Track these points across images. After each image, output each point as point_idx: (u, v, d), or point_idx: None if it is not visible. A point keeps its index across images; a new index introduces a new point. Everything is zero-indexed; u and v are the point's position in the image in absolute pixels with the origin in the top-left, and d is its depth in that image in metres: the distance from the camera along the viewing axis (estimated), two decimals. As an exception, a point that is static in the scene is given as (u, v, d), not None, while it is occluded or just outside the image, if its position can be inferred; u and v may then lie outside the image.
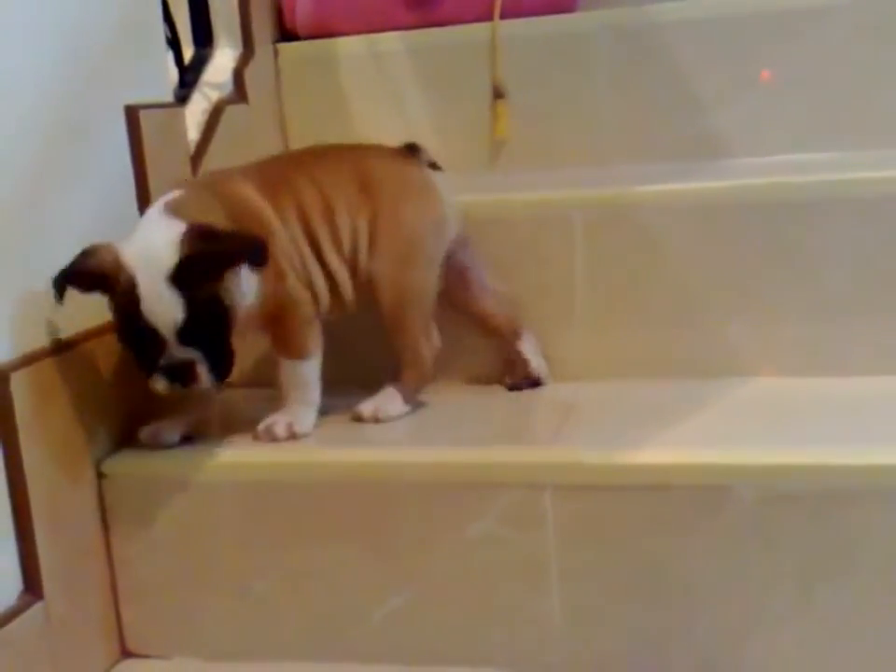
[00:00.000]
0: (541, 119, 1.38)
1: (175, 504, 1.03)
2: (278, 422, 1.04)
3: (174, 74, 1.34)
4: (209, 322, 0.96)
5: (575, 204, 1.16)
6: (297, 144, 1.42)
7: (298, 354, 1.06)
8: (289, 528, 1.01)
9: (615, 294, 1.15)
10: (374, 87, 1.42)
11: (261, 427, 1.05)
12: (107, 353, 1.05)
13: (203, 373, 0.96)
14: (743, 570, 0.92)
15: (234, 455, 1.03)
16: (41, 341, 0.98)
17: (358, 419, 1.07)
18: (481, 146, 1.40)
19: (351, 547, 0.99)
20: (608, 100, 1.36)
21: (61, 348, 1.00)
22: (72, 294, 0.96)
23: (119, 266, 0.95)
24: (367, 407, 1.07)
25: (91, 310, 1.03)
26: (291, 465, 1.01)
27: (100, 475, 1.04)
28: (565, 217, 1.15)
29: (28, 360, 0.96)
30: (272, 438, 1.04)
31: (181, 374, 0.96)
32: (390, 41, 1.43)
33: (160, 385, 0.97)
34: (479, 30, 1.39)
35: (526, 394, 1.14)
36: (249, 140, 1.34)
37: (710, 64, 1.34)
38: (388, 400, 1.08)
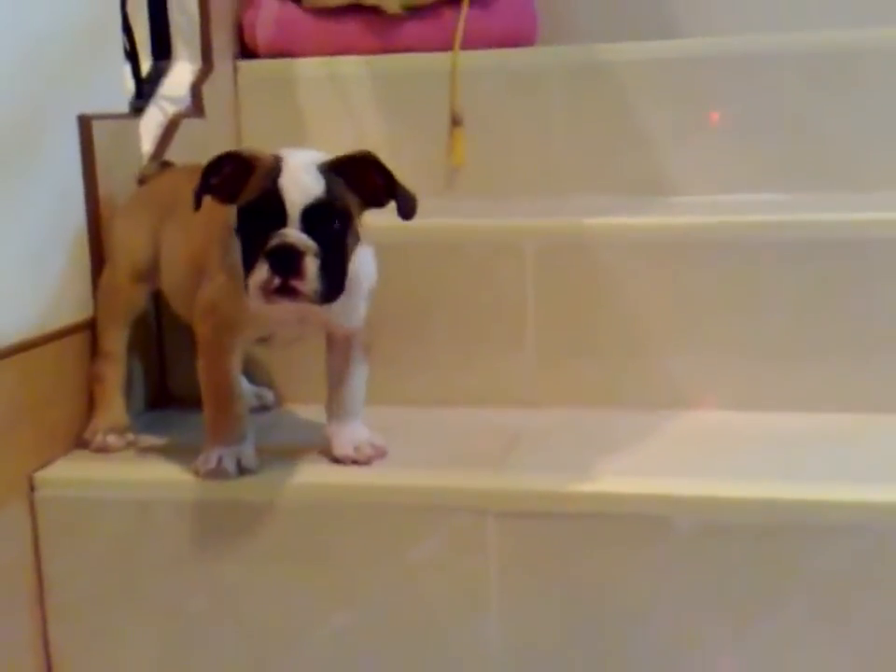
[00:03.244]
0: (498, 149, 1.40)
1: (107, 519, 1.01)
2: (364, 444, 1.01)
3: (131, 85, 1.33)
4: (337, 224, 0.90)
5: (528, 233, 1.17)
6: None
7: (368, 354, 1.03)
8: (226, 547, 0.99)
9: (565, 323, 1.16)
10: (333, 109, 1.43)
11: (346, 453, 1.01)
12: (43, 362, 1.03)
13: (311, 269, 0.88)
14: (680, 600, 0.93)
15: (170, 472, 1.02)
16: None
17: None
18: (437, 172, 1.41)
19: (292, 568, 0.98)
20: (563, 132, 1.38)
21: (-4, 357, 0.98)
22: (9, 302, 0.94)
23: (271, 154, 0.92)
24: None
25: (28, 318, 1.01)
26: (231, 484, 0.99)
27: (32, 487, 1.01)
28: (517, 245, 1.16)
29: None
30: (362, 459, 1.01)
31: (288, 261, 0.88)
32: (350, 65, 1.44)
33: (261, 272, 0.88)
34: (439, 59, 1.41)
35: (473, 418, 1.14)
36: (205, 155, 1.32)
37: (663, 103, 1.37)
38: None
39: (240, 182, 0.93)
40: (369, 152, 0.93)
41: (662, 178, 1.36)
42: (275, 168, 0.91)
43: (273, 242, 0.89)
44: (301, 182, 0.90)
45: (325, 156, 0.93)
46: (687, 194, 1.35)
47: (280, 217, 0.89)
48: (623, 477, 0.96)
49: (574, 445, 1.06)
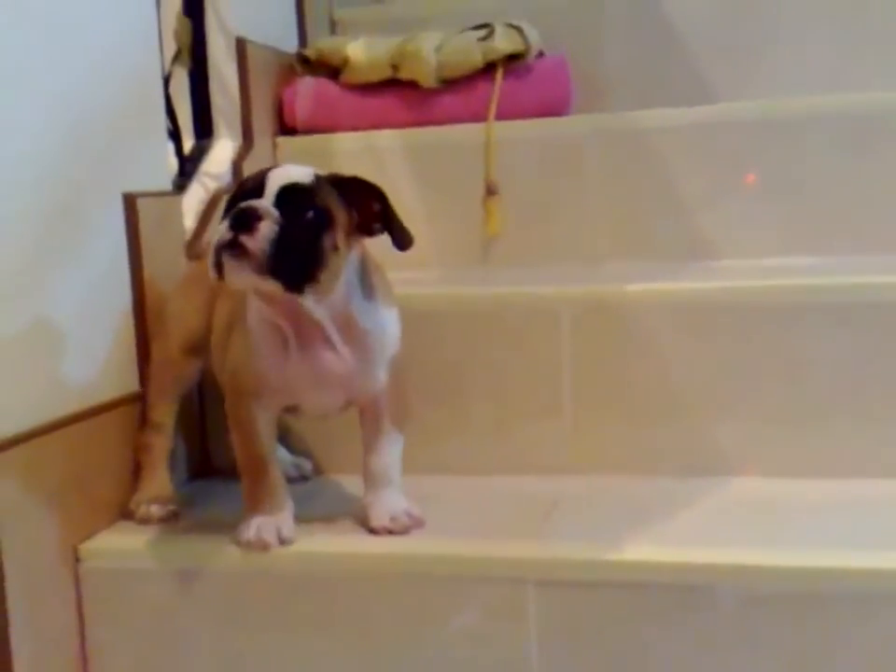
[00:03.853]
0: (533, 217, 1.41)
1: (150, 590, 1.01)
2: (400, 514, 1.01)
3: (173, 163, 1.37)
4: (312, 215, 0.91)
5: (563, 300, 1.18)
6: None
7: (402, 423, 1.03)
8: (268, 618, 0.99)
9: (602, 389, 1.16)
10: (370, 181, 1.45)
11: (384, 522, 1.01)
12: (90, 435, 1.05)
13: (265, 231, 0.88)
14: (722, 669, 0.91)
15: (211, 542, 1.02)
16: (26, 423, 0.98)
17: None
18: (473, 241, 1.43)
19: (331, 638, 0.98)
20: (597, 200, 1.39)
21: (45, 430, 1.00)
22: (57, 377, 0.95)
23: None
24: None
25: (74, 392, 1.03)
26: (270, 554, 0.99)
27: (77, 559, 1.03)
28: (553, 312, 1.17)
29: (11, 443, 0.95)
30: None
31: (245, 219, 0.88)
32: (387, 138, 1.47)
33: (220, 231, 0.89)
34: (474, 130, 1.43)
35: (510, 486, 1.14)
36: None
37: (696, 168, 1.38)
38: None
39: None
40: (368, 180, 0.96)
41: (697, 243, 1.36)
42: (268, 169, 0.94)
43: (241, 207, 0.90)
44: (289, 172, 0.93)
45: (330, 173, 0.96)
46: (723, 258, 1.34)
47: (258, 193, 0.91)
48: (665, 546, 0.95)
49: (612, 513, 1.05)
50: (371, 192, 0.95)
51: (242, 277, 0.90)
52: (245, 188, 0.94)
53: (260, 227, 0.88)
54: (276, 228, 0.89)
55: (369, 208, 0.95)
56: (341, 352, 0.97)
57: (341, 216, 0.94)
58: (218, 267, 0.89)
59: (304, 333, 0.96)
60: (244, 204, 0.90)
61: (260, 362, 0.97)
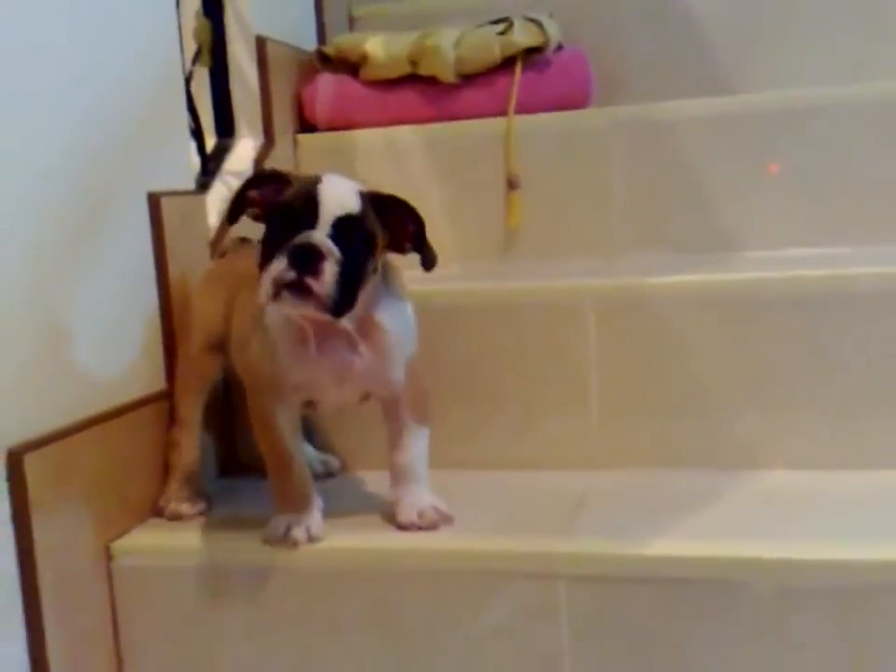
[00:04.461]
0: (554, 211, 1.41)
1: (181, 587, 1.02)
2: (427, 509, 1.01)
3: (196, 162, 1.38)
4: (363, 245, 0.91)
5: (589, 294, 1.17)
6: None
7: (425, 417, 1.03)
8: (299, 615, 1.00)
9: (628, 383, 1.16)
10: (390, 177, 1.45)
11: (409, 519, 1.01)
12: (119, 433, 1.06)
13: (330, 273, 0.88)
14: (759, 666, 0.90)
15: (240, 539, 1.03)
16: (56, 422, 0.99)
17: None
18: (495, 235, 1.43)
19: (360, 634, 0.98)
20: (619, 192, 1.39)
21: (75, 429, 1.00)
22: (85, 376, 0.96)
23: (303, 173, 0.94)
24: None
25: (104, 391, 1.04)
26: (300, 552, 0.99)
27: (109, 557, 1.03)
28: (578, 306, 1.17)
29: (43, 442, 0.96)
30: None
31: (309, 258, 0.88)
32: (407, 134, 1.46)
33: (278, 265, 0.88)
34: (494, 124, 1.43)
35: (538, 481, 1.14)
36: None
37: (719, 159, 1.37)
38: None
39: (276, 198, 0.94)
40: (407, 200, 0.96)
41: (721, 234, 1.35)
42: (316, 180, 0.93)
43: (299, 239, 0.89)
44: (340, 194, 0.92)
45: (365, 185, 0.95)
46: (747, 249, 1.34)
47: (311, 221, 0.90)
48: (697, 540, 0.95)
49: (641, 507, 1.05)
50: (409, 214, 0.96)
51: (299, 311, 0.92)
52: (294, 206, 0.92)
53: (325, 269, 0.88)
54: (338, 268, 0.89)
55: (404, 228, 0.96)
56: (360, 350, 0.98)
57: (381, 238, 0.95)
58: (275, 296, 0.90)
59: (325, 333, 0.97)
60: (305, 241, 0.89)
61: (280, 360, 0.98)
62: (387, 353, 0.99)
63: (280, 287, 0.89)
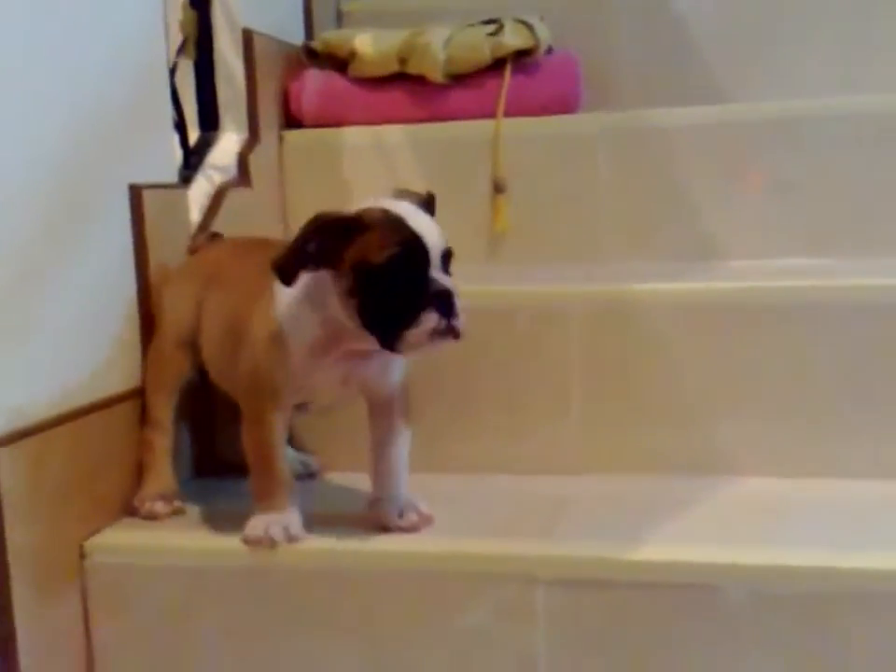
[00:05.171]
0: (541, 215, 1.40)
1: (156, 587, 1.01)
2: (408, 510, 1.01)
3: (179, 156, 1.36)
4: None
5: (573, 300, 1.17)
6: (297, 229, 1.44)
7: (408, 419, 1.03)
8: (275, 616, 0.98)
9: (610, 389, 1.16)
10: (377, 176, 1.44)
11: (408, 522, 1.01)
12: (94, 430, 1.04)
13: (461, 307, 0.90)
14: (734, 670, 0.91)
15: (217, 539, 1.02)
16: (31, 417, 0.97)
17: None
18: (480, 239, 1.42)
19: (339, 635, 0.97)
20: (606, 199, 1.39)
21: (49, 425, 0.98)
22: (61, 371, 0.94)
23: (373, 209, 0.92)
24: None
25: (78, 387, 1.02)
26: (278, 552, 0.98)
27: (82, 555, 1.01)
28: (562, 311, 1.16)
29: (18, 436, 0.94)
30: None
31: (448, 304, 0.89)
32: (394, 133, 1.45)
33: (430, 319, 0.89)
34: (482, 126, 1.42)
35: (519, 486, 1.13)
36: (250, 223, 1.35)
37: (706, 168, 1.37)
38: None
39: (341, 245, 0.91)
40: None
41: (706, 243, 1.35)
42: (397, 218, 0.91)
43: (436, 287, 0.90)
44: (432, 227, 0.93)
45: (413, 201, 0.96)
46: (732, 259, 1.34)
47: (424, 264, 0.91)
48: (674, 545, 0.95)
49: (622, 513, 1.05)
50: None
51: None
52: (408, 257, 0.90)
53: (460, 308, 0.91)
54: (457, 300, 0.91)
55: None
56: (368, 357, 0.98)
57: None
58: (430, 345, 0.91)
59: (343, 344, 0.96)
60: (443, 288, 0.90)
61: (294, 368, 0.96)
62: (391, 358, 0.98)
63: (435, 336, 0.90)
